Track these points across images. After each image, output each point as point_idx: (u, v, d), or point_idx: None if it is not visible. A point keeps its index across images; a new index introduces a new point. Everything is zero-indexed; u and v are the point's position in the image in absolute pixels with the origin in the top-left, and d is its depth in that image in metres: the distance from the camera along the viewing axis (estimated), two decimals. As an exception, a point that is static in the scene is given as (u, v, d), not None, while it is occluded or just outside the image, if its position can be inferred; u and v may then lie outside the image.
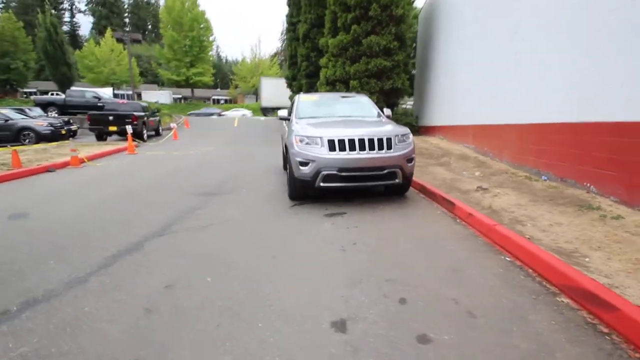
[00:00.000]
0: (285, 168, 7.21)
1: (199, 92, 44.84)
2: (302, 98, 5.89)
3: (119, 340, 1.82)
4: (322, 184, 4.27)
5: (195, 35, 34.32)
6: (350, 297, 2.21)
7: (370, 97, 9.00)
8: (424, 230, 3.55)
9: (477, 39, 7.86)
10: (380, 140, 4.28)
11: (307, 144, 4.35)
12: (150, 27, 63.93)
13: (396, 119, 10.10)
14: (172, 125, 16.02)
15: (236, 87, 47.84)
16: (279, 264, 2.76)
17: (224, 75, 61.22)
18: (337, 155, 4.19)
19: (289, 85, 21.10)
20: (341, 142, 4.22)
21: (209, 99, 51.59)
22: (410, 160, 4.49)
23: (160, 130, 17.02)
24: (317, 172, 4.21)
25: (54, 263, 2.80)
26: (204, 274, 2.59)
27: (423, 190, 5.15)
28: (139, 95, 38.05)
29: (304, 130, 4.53)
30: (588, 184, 4.30)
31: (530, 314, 2.01)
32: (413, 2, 12.90)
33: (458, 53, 9.23)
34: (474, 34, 8.04)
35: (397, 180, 4.42)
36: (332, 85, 13.65)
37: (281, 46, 71.65)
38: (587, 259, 2.64)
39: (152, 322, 1.99)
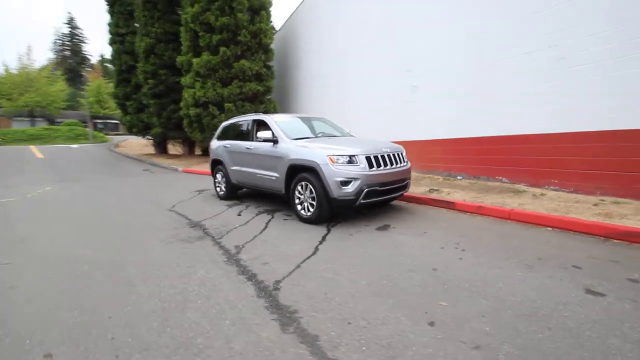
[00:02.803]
0: (228, 197, 6.38)
1: None
2: (278, 119, 5.53)
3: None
4: (362, 201, 4.33)
5: None
6: (552, 276, 2.68)
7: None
8: (471, 225, 4.29)
9: (365, 76, 9.57)
10: (399, 155, 4.79)
11: (342, 163, 4.30)
12: None
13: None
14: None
15: (-7, 106, 34.40)
16: (449, 273, 2.82)
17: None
18: (377, 171, 4.39)
19: (121, 106, 17.43)
20: (376, 158, 4.44)
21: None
22: (410, 171, 5.20)
23: None
24: (361, 190, 4.25)
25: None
26: (424, 300, 2.36)
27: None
28: None
29: (332, 149, 4.43)
30: (500, 177, 6.32)
31: (625, 252, 3.12)
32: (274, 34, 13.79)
33: (355, 84, 10.79)
34: (362, 72, 9.74)
35: (407, 190, 5.03)
36: (204, 107, 12.74)
37: (56, 58, 56.81)
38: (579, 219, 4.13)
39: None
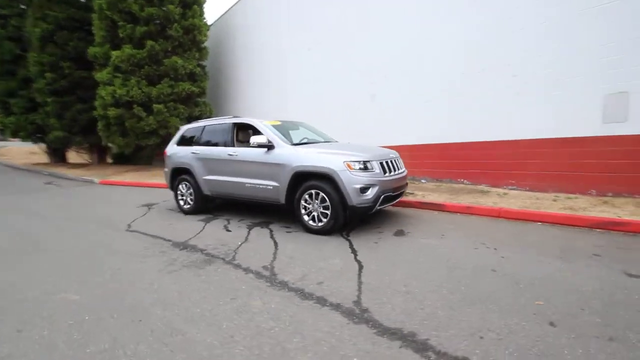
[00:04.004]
0: (196, 211, 5.64)
1: None
2: (268, 123, 5.05)
3: None
4: (377, 207, 4.26)
5: None
6: (590, 265, 3.03)
7: (181, 124, 8.82)
8: (477, 225, 4.55)
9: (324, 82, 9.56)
10: (400, 160, 4.87)
11: (358, 169, 4.15)
12: None
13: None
14: None
15: None
16: (509, 273, 2.95)
17: None
18: (391, 176, 4.37)
19: (2, 104, 13.74)
20: (387, 163, 4.42)
21: None
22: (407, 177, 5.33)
23: None
24: (378, 196, 4.17)
25: None
26: (518, 302, 2.41)
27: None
28: None
29: (346, 154, 4.24)
30: (462, 180, 6.98)
31: (617, 239, 3.73)
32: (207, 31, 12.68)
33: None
34: (314, 74, 9.69)
35: (403, 195, 5.14)
36: (127, 108, 11.02)
37: None
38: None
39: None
